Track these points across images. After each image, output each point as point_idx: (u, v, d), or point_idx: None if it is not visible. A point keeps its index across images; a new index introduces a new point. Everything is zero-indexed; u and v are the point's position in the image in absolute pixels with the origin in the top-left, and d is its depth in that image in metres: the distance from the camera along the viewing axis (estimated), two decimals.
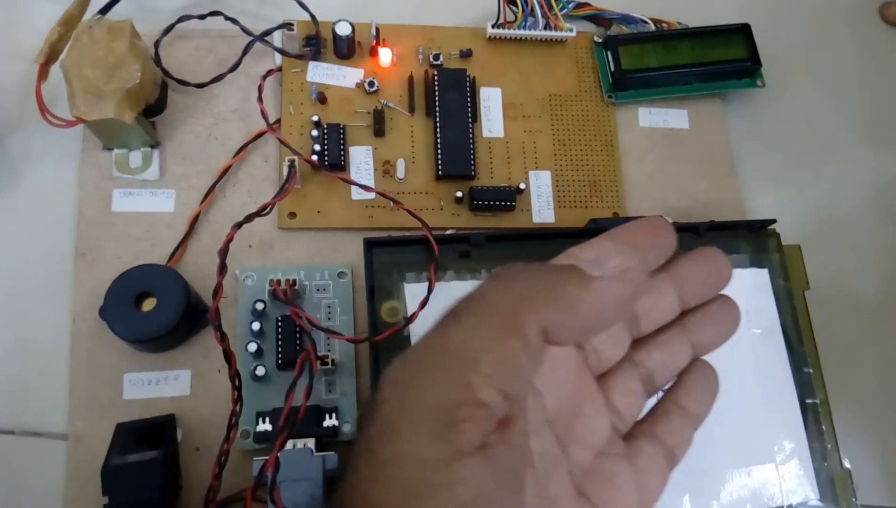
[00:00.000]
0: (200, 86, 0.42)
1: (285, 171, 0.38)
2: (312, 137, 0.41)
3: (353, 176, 0.41)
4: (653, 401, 0.28)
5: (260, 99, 0.41)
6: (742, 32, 0.47)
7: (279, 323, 0.37)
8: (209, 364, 0.37)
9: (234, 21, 0.42)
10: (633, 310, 0.26)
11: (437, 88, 0.43)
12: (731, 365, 0.38)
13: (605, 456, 0.25)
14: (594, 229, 0.39)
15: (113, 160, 0.40)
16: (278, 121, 0.42)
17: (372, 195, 0.41)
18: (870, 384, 0.44)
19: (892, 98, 0.51)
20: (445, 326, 0.21)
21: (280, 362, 0.36)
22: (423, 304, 0.34)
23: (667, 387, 0.28)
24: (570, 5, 0.47)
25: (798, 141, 0.49)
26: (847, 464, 0.39)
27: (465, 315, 0.21)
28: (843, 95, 0.51)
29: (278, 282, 0.37)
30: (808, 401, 0.39)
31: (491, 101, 0.45)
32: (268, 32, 0.42)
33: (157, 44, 0.42)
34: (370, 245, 0.36)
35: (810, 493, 0.37)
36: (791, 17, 0.52)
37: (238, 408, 0.33)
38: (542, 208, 0.43)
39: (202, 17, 0.43)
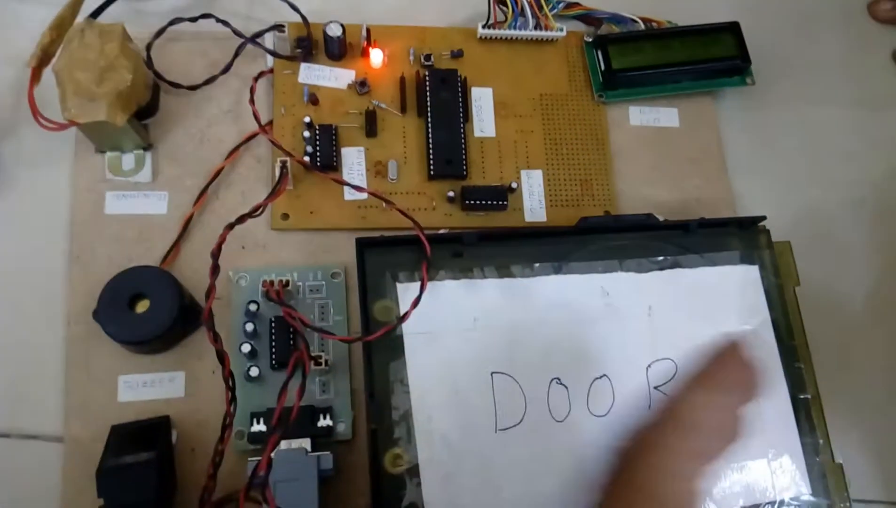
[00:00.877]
0: (192, 88, 0.42)
1: (277, 172, 0.39)
2: (304, 138, 0.41)
3: (346, 177, 0.41)
4: None
5: (252, 101, 0.41)
6: (731, 31, 0.47)
7: (273, 324, 0.37)
8: (203, 366, 0.37)
9: (225, 23, 0.42)
10: None
11: (428, 88, 0.43)
12: None
13: None
14: (585, 227, 0.39)
15: (106, 163, 0.41)
16: (270, 122, 0.42)
17: (364, 196, 0.41)
18: (861, 380, 0.44)
19: (881, 94, 0.52)
20: None
21: (274, 362, 0.36)
22: (416, 303, 0.35)
23: None
24: (560, 5, 0.47)
25: (788, 138, 0.49)
26: (839, 459, 0.39)
27: None
28: (833, 92, 0.51)
29: (271, 283, 0.37)
30: (800, 397, 0.39)
31: (482, 101, 0.45)
32: (259, 34, 0.42)
33: (148, 47, 0.42)
34: (362, 245, 0.36)
35: (803, 488, 0.38)
36: (780, 15, 0.52)
37: (232, 409, 0.33)
38: (534, 207, 0.43)
39: (193, 19, 0.43)
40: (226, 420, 0.34)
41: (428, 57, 0.44)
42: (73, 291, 0.38)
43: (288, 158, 0.39)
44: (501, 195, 0.42)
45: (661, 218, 0.40)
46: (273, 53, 0.43)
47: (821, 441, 0.39)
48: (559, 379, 0.36)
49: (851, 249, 0.47)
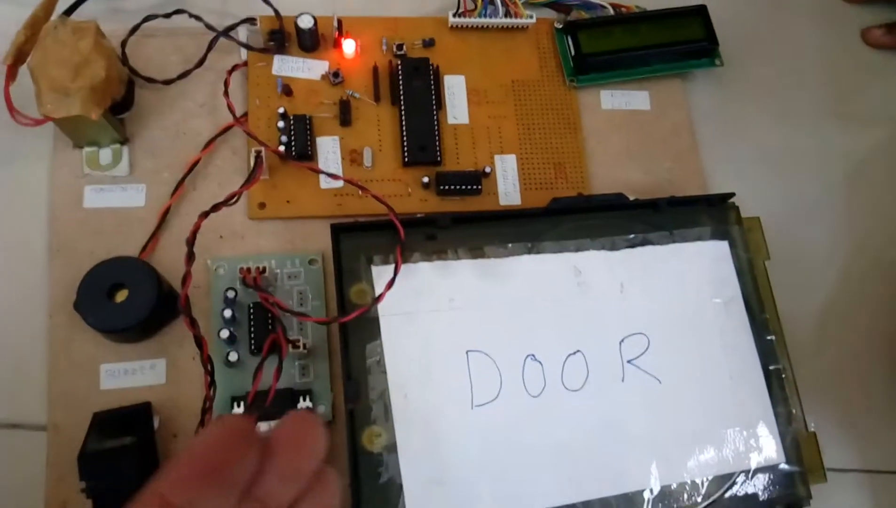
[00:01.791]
0: (167, 82, 0.43)
1: (252, 162, 0.39)
2: (279, 129, 0.42)
3: (322, 165, 0.42)
4: None
5: (226, 93, 0.41)
6: (699, 14, 0.48)
7: (251, 310, 0.37)
8: (184, 353, 0.38)
9: (197, 18, 0.43)
10: None
11: (401, 77, 0.44)
12: (696, 334, 0.39)
13: None
14: (556, 208, 0.40)
15: (83, 158, 0.41)
16: (245, 114, 0.43)
17: (340, 184, 0.41)
18: (834, 349, 0.45)
19: (850, 73, 0.53)
20: None
21: (253, 347, 0.37)
22: (390, 285, 0.35)
23: None
24: None
25: (758, 118, 0.50)
26: (812, 428, 0.40)
27: None
28: (801, 71, 0.52)
29: (248, 270, 0.38)
30: (772, 367, 0.40)
31: (455, 88, 0.46)
32: (231, 28, 0.43)
33: (123, 43, 0.43)
34: (337, 231, 0.37)
35: (776, 457, 0.38)
36: None
37: (211, 393, 0.34)
38: (508, 191, 0.44)
39: (167, 15, 0.43)
40: (205, 405, 0.34)
41: (400, 46, 0.45)
42: (54, 283, 0.39)
43: (262, 148, 0.39)
44: (475, 180, 0.43)
45: (631, 197, 0.41)
46: (246, 46, 0.43)
47: (794, 411, 0.39)
48: (534, 356, 0.37)
49: (822, 222, 0.48)
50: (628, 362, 0.38)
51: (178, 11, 0.43)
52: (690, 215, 0.42)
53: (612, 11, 0.48)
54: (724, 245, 0.41)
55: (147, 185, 0.41)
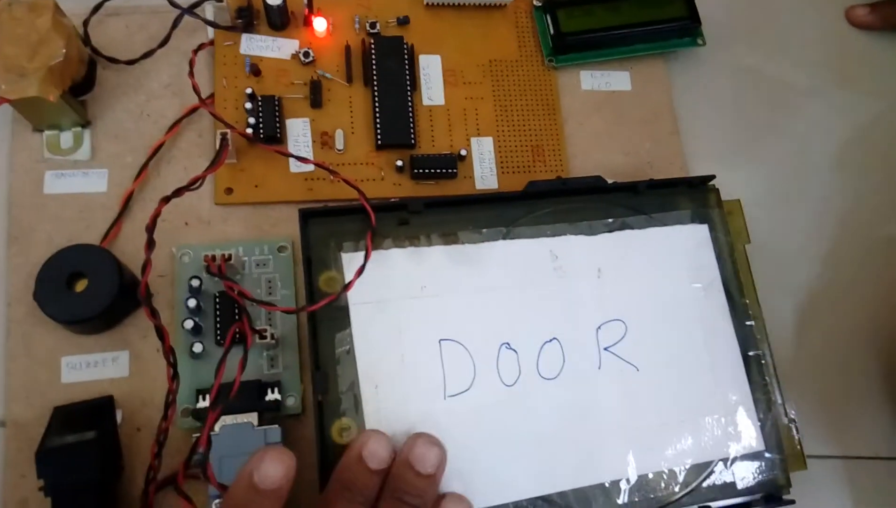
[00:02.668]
0: (130, 63, 0.41)
1: (218, 145, 0.38)
2: (247, 110, 0.40)
3: (292, 148, 0.41)
4: None
5: (191, 73, 0.40)
6: None
7: (217, 300, 0.36)
8: (147, 344, 0.37)
9: None
10: None
11: (374, 56, 0.43)
12: (674, 319, 0.39)
13: None
14: (533, 191, 0.39)
15: (44, 142, 0.40)
16: (212, 95, 0.41)
17: (311, 168, 0.40)
18: (814, 335, 0.45)
19: (833, 53, 0.52)
20: None
21: (219, 338, 0.36)
22: (360, 272, 0.34)
23: None
24: None
25: (740, 98, 0.49)
26: (792, 414, 0.39)
27: None
28: (784, 51, 0.51)
29: (213, 258, 0.36)
30: (751, 353, 0.39)
31: (430, 68, 0.44)
32: (196, 5, 0.41)
33: (86, 23, 0.41)
34: (306, 216, 0.36)
35: (755, 444, 0.38)
36: None
37: (175, 386, 0.33)
38: (484, 175, 0.43)
39: None
40: (168, 398, 0.33)
41: (373, 25, 0.44)
42: (13, 272, 0.37)
43: (228, 131, 0.38)
44: (451, 163, 0.42)
45: (610, 181, 0.40)
46: (212, 24, 0.42)
47: (773, 398, 0.39)
48: (508, 344, 0.36)
49: (803, 207, 0.47)
50: (605, 349, 0.37)
51: None
52: (670, 198, 0.41)
53: None
54: (703, 229, 0.40)
55: (109, 169, 0.40)
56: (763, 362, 0.39)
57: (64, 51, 0.37)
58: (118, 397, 0.36)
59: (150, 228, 0.32)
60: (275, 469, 0.27)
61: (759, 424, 0.38)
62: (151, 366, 0.36)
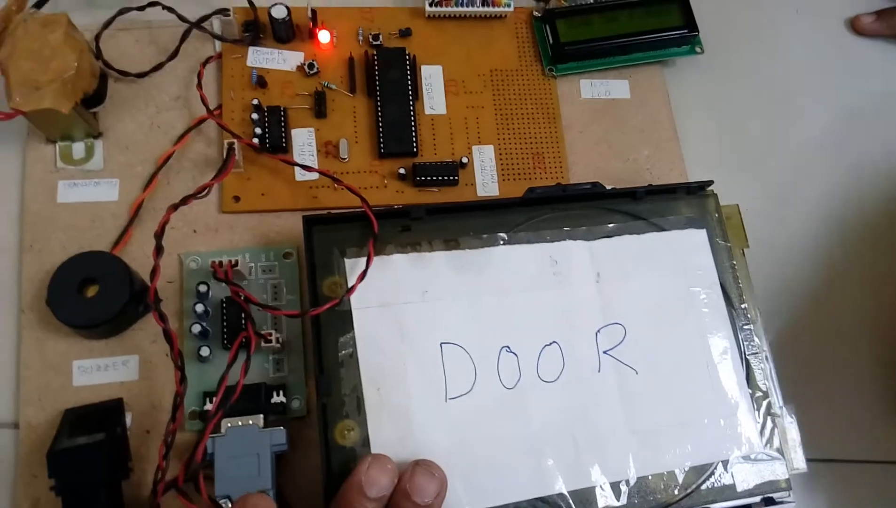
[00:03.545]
0: (140, 75, 0.42)
1: (225, 154, 0.39)
2: (253, 121, 0.41)
3: (297, 158, 0.42)
4: None
5: (200, 86, 0.41)
6: (678, 1, 0.47)
7: (224, 305, 0.37)
8: (157, 349, 0.38)
9: (170, 10, 0.42)
10: None
11: (377, 67, 0.44)
12: (673, 323, 0.39)
13: None
14: (532, 198, 0.39)
15: (57, 152, 0.41)
16: (219, 107, 0.42)
17: (315, 176, 0.41)
18: (812, 338, 0.45)
19: (831, 59, 0.52)
20: None
21: (225, 342, 0.37)
22: (362, 277, 0.35)
23: None
24: None
25: (738, 104, 0.50)
26: (791, 418, 0.39)
27: None
28: (782, 58, 0.51)
29: (220, 263, 0.37)
30: (750, 357, 0.39)
31: (432, 78, 0.45)
32: (204, 19, 0.43)
33: (97, 37, 0.43)
34: (310, 223, 0.37)
35: (755, 446, 0.38)
36: None
37: (182, 389, 0.34)
38: (486, 182, 0.44)
39: (141, 8, 0.43)
40: (176, 401, 0.34)
41: (376, 37, 0.45)
42: (27, 280, 0.38)
43: (235, 141, 0.39)
44: (452, 171, 0.43)
45: (609, 187, 0.41)
46: (220, 38, 0.43)
47: (772, 401, 0.39)
48: (509, 347, 0.37)
49: (801, 212, 0.48)
50: (605, 352, 0.37)
51: (151, 4, 0.43)
52: (669, 203, 0.41)
53: (591, 0, 0.48)
54: (702, 234, 0.41)
55: (120, 179, 0.41)
56: (762, 365, 0.39)
57: (76, 64, 0.38)
58: (128, 400, 0.37)
59: (159, 235, 0.33)
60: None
61: (758, 426, 0.38)
62: (160, 370, 0.37)
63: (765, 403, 0.39)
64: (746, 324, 0.40)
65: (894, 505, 0.43)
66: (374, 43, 0.45)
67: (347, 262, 0.37)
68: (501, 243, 0.38)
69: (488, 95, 0.46)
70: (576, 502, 0.35)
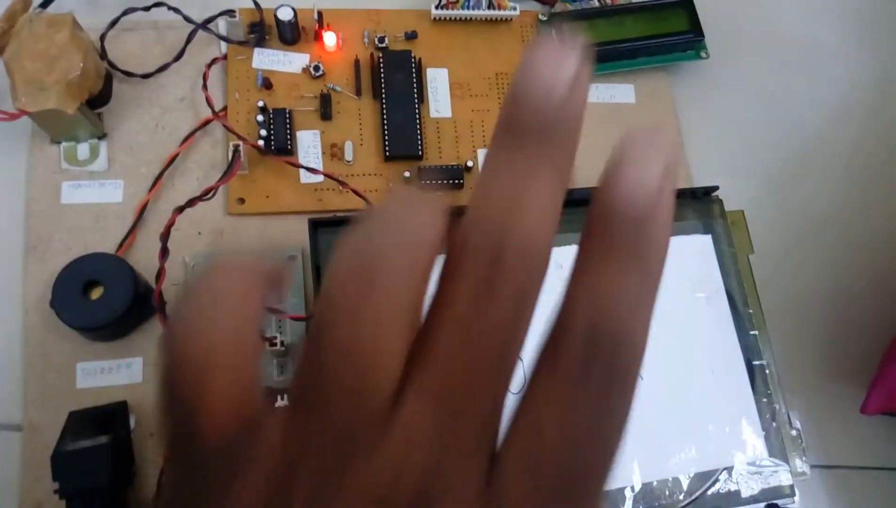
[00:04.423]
0: (146, 76, 0.42)
1: (230, 156, 0.39)
2: (259, 123, 0.41)
3: (302, 160, 0.42)
4: None
5: (205, 87, 0.41)
6: (684, 5, 0.47)
7: None
8: None
9: (176, 10, 0.42)
10: None
11: (382, 70, 0.44)
12: (677, 329, 0.39)
13: None
14: None
15: (61, 153, 0.41)
16: (225, 108, 0.42)
17: (320, 178, 0.41)
18: (818, 344, 0.45)
19: (834, 64, 0.52)
20: None
21: None
22: None
23: None
24: None
25: (743, 110, 0.49)
26: (796, 424, 0.39)
27: None
28: (789, 63, 0.51)
29: None
30: (755, 363, 0.39)
31: (438, 81, 0.45)
32: (210, 20, 0.42)
33: (102, 37, 0.42)
34: (315, 225, 0.37)
35: (759, 453, 0.38)
36: None
37: None
38: None
39: (147, 8, 0.43)
40: None
41: (382, 39, 0.45)
42: (31, 281, 0.38)
43: (240, 143, 0.39)
44: (457, 174, 0.43)
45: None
46: (225, 39, 0.43)
47: (777, 407, 0.39)
48: None
49: (807, 217, 0.48)
50: None
51: (157, 4, 0.43)
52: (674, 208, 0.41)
53: (596, 3, 0.48)
54: (707, 239, 0.41)
55: (125, 180, 0.41)
56: (767, 371, 0.39)
57: (81, 65, 0.38)
58: (132, 402, 0.36)
59: (164, 237, 0.33)
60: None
61: (763, 433, 0.38)
62: None
63: (769, 409, 0.39)
64: (751, 330, 0.40)
65: None
66: (380, 45, 0.45)
67: None
68: None
69: (493, 98, 0.46)
70: None
